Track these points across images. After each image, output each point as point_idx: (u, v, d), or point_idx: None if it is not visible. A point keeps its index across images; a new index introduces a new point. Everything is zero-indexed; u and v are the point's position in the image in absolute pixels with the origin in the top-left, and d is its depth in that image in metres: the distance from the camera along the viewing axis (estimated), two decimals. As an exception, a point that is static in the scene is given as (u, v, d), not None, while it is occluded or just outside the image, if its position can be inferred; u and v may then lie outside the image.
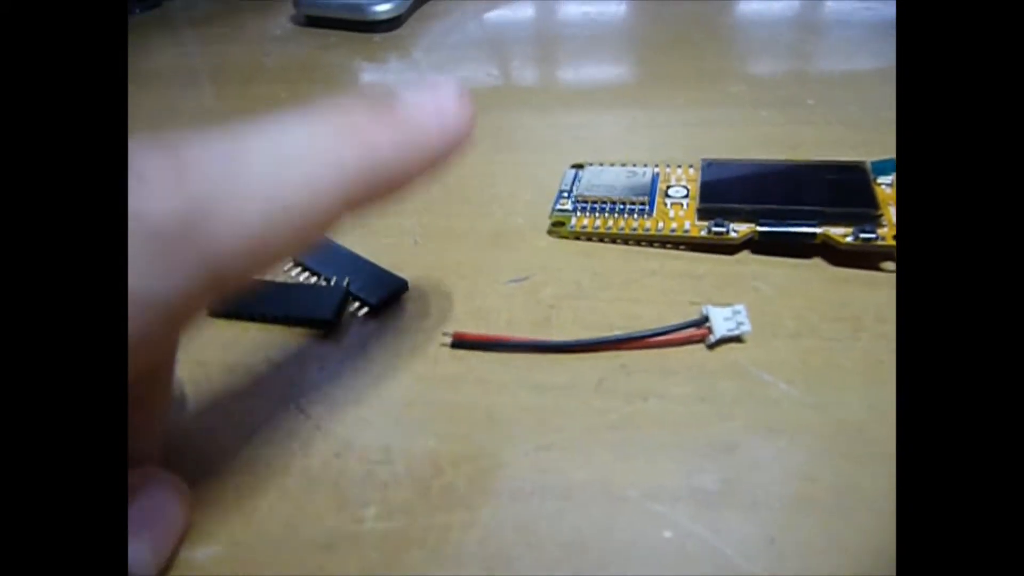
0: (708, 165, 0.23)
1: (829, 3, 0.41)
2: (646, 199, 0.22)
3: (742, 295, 0.20)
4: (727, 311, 0.18)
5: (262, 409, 0.17)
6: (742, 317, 0.18)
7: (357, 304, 0.20)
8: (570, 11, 0.43)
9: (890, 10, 0.38)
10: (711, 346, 0.18)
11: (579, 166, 0.25)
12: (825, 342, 0.18)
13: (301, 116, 0.12)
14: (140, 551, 0.13)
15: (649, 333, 0.18)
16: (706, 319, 0.18)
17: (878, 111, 0.28)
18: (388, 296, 0.20)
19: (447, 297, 0.20)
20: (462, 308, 0.20)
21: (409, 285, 0.20)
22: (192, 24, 0.46)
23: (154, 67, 0.40)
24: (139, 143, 0.10)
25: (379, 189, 0.12)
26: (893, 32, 0.35)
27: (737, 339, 0.18)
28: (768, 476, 0.15)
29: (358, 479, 0.16)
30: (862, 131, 0.27)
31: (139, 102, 0.34)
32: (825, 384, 0.17)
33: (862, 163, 0.22)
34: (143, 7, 0.48)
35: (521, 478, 0.15)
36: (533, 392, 0.17)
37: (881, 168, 0.22)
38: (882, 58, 0.33)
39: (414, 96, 0.13)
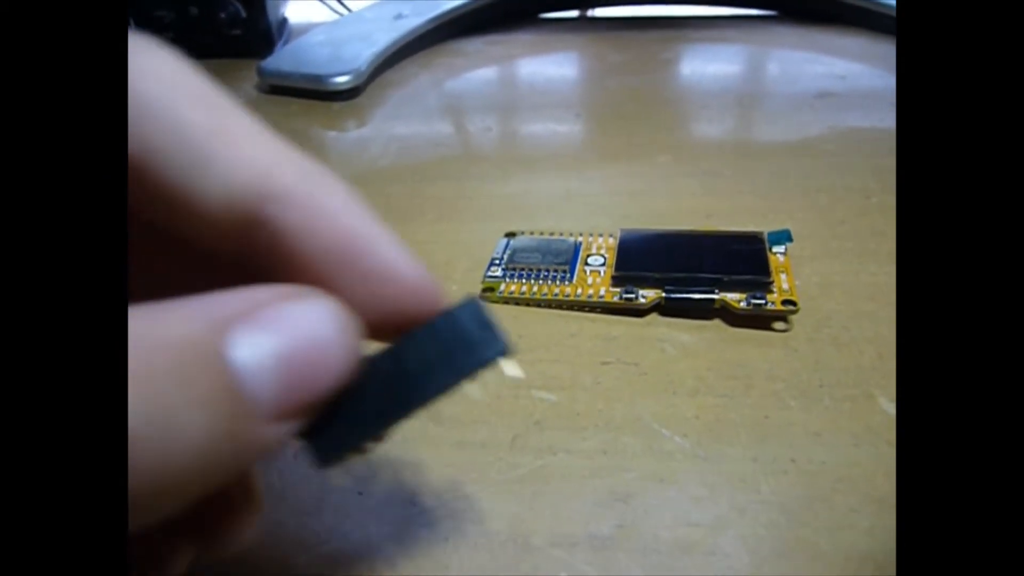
0: (625, 235, 0.25)
1: (771, 74, 0.44)
2: (567, 267, 0.24)
3: (649, 355, 0.22)
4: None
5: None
6: None
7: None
8: (523, 78, 0.46)
9: (820, 84, 0.41)
10: (617, 403, 0.20)
11: (512, 235, 0.27)
12: (718, 399, 0.20)
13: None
14: (252, 344, 0.10)
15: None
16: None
17: (787, 181, 0.31)
18: None
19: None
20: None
21: None
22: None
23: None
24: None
25: None
26: (815, 104, 0.39)
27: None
28: (657, 522, 0.17)
29: (291, 533, 0.17)
30: (770, 200, 0.30)
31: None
32: (715, 438, 0.19)
33: (759, 234, 0.24)
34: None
35: (439, 525, 0.17)
36: (454, 448, 0.19)
37: (776, 238, 0.24)
38: (800, 130, 0.36)
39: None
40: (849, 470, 0.18)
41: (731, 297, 0.22)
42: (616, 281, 0.23)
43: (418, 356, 0.12)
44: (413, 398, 0.12)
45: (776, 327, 0.22)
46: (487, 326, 0.12)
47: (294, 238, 0.11)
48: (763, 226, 0.25)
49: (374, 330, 0.12)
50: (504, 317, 0.24)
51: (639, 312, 0.23)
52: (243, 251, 0.11)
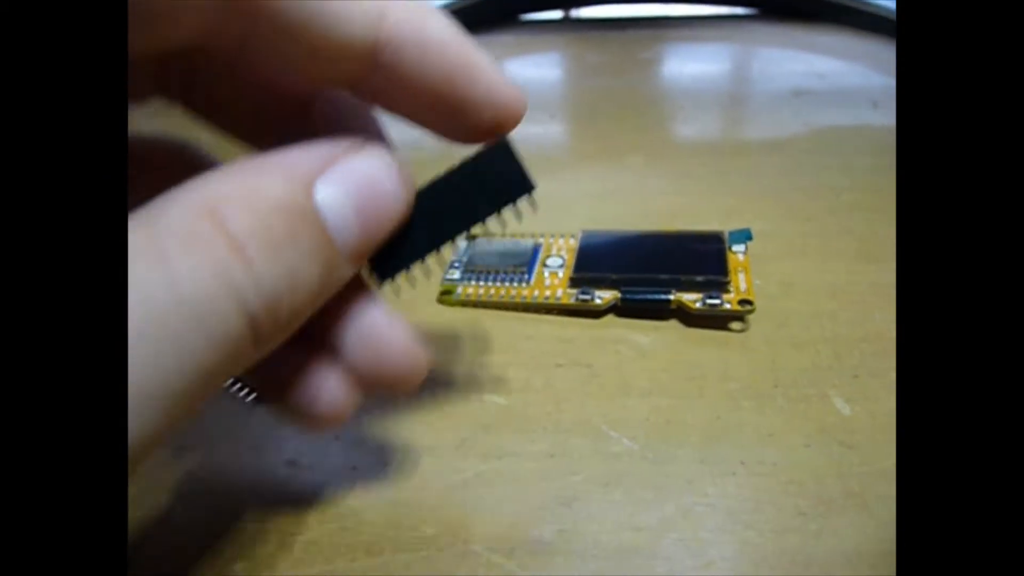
0: (586, 237, 0.25)
1: (749, 73, 0.44)
2: (526, 269, 0.24)
3: (603, 357, 0.21)
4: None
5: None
6: None
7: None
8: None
9: (798, 82, 0.41)
10: (567, 406, 0.20)
11: (473, 237, 0.27)
12: (671, 400, 0.20)
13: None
14: (335, 200, 0.11)
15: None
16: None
17: (759, 180, 0.31)
18: None
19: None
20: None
21: None
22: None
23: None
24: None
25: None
26: (792, 102, 0.38)
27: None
28: (600, 526, 0.17)
29: (229, 534, 0.17)
30: (740, 199, 0.30)
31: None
32: (664, 440, 0.19)
33: (720, 233, 0.24)
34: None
35: (378, 533, 0.17)
36: (399, 452, 0.19)
37: (736, 237, 0.24)
38: (775, 129, 0.36)
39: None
40: (799, 472, 0.17)
41: (687, 297, 0.22)
42: (573, 283, 0.23)
43: (457, 193, 0.14)
44: (453, 228, 0.14)
45: (733, 327, 0.22)
46: (516, 167, 0.14)
47: (406, 74, 0.12)
48: (730, 225, 0.25)
49: (456, 139, 0.14)
50: (460, 320, 0.23)
51: (595, 313, 0.23)
52: (357, 87, 0.13)
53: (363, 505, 0.17)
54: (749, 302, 0.21)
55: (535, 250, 0.25)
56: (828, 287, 0.24)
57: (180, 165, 0.15)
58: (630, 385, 0.20)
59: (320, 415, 0.14)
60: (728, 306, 0.21)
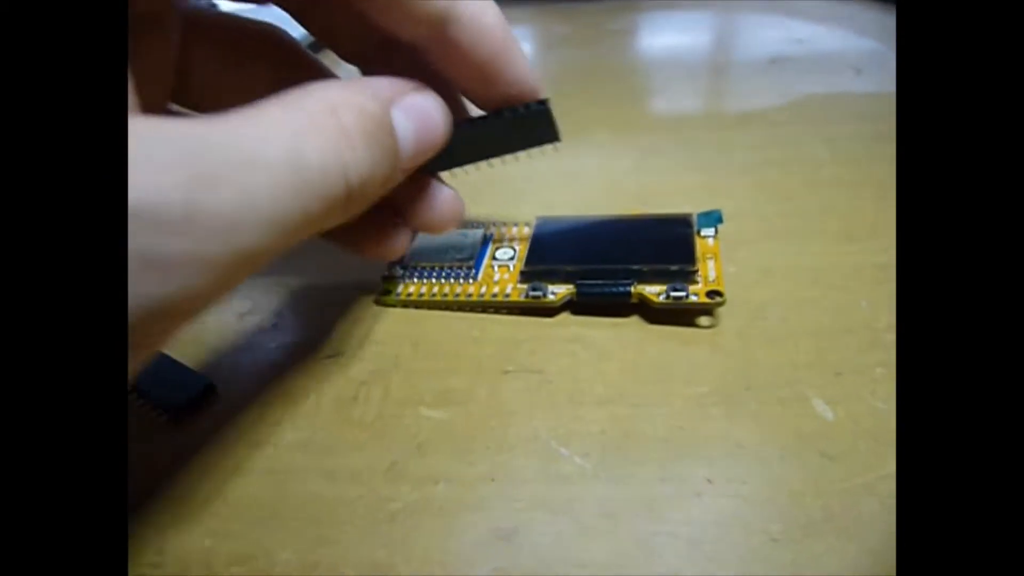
0: (541, 224, 0.23)
1: (723, 42, 0.42)
2: (472, 263, 0.22)
3: (558, 360, 0.19)
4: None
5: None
6: None
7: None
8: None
9: (776, 48, 0.38)
10: (512, 420, 0.17)
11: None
12: (630, 409, 0.17)
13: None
14: (403, 122, 0.15)
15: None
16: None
17: (732, 155, 0.29)
18: (191, 400, 0.19)
19: (258, 377, 0.20)
20: (269, 391, 0.19)
21: (216, 387, 0.19)
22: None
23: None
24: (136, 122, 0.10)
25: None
26: (768, 70, 0.36)
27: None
28: (540, 562, 0.14)
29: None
30: (713, 177, 0.27)
31: None
32: (622, 456, 0.16)
33: (688, 216, 0.22)
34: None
35: (290, 579, 0.15)
36: (323, 479, 0.16)
37: (706, 220, 0.21)
38: (750, 100, 0.33)
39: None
40: (772, 489, 0.15)
41: (650, 290, 0.19)
42: (524, 277, 0.21)
43: (501, 129, 0.18)
44: (491, 151, 0.19)
45: (701, 323, 0.20)
46: (551, 122, 0.18)
47: (463, 46, 0.16)
48: (702, 206, 0.22)
49: (480, 103, 0.18)
50: (400, 323, 0.21)
51: (549, 311, 0.20)
52: (422, 46, 0.16)
53: (275, 544, 0.15)
54: (718, 293, 0.19)
55: (484, 242, 0.23)
56: (809, 272, 0.21)
57: (282, 51, 0.19)
58: (585, 392, 0.18)
59: (387, 251, 0.19)
60: (695, 298, 0.19)
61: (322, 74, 0.19)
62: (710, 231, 0.21)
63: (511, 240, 0.23)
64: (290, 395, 0.19)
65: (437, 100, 0.16)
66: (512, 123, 0.18)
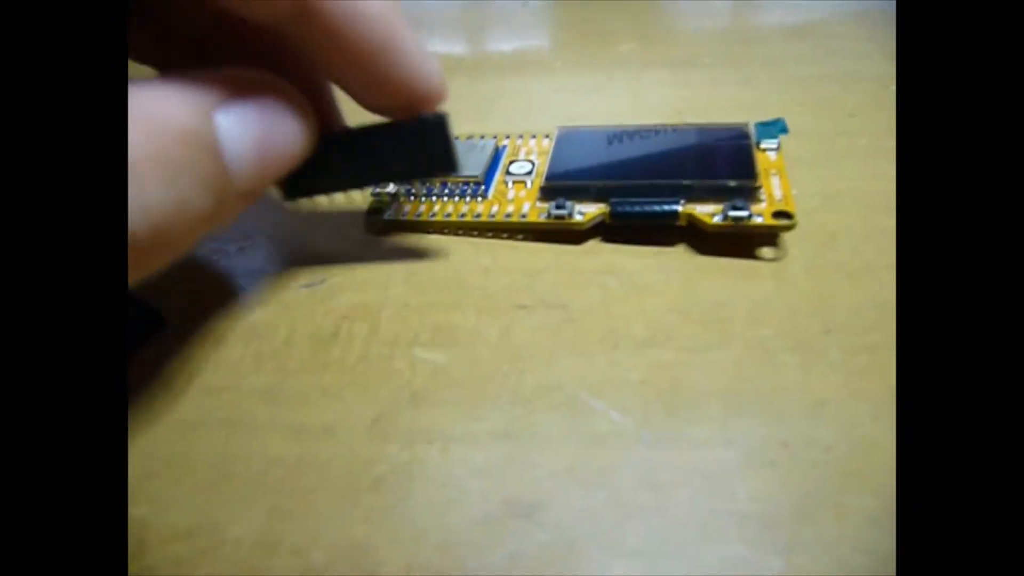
0: (564, 134, 0.19)
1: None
2: (481, 177, 0.18)
3: (586, 294, 0.15)
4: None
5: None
6: None
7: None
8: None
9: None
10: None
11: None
12: (681, 354, 0.14)
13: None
14: (235, 132, 0.11)
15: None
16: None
17: (782, 69, 0.24)
18: (132, 332, 0.15)
19: (216, 310, 0.16)
20: (230, 326, 0.16)
21: (165, 318, 0.16)
22: None
23: None
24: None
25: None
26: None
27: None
28: (570, 549, 0.11)
29: None
30: (760, 91, 0.23)
31: None
32: (671, 412, 0.13)
33: (743, 125, 0.18)
34: None
35: (242, 560, 0.11)
36: (290, 436, 0.13)
37: (766, 131, 0.18)
38: (800, 11, 0.29)
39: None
40: (866, 457, 0.12)
41: (701, 210, 0.16)
42: (545, 194, 0.17)
43: (384, 146, 0.14)
44: (369, 177, 0.15)
45: (763, 255, 0.16)
46: (447, 146, 0.14)
47: (335, 32, 0.12)
48: (750, 120, 0.19)
49: (370, 108, 0.14)
50: (391, 248, 0.17)
51: (575, 235, 0.17)
52: (281, 29, 0.12)
53: (225, 515, 0.12)
54: (788, 215, 0.15)
55: (496, 154, 0.19)
56: (884, 197, 0.18)
57: None
58: (620, 333, 0.14)
59: None
60: (759, 220, 0.15)
61: None
62: (772, 143, 0.18)
63: (528, 153, 0.19)
64: (255, 331, 0.15)
65: (291, 98, 0.12)
66: (399, 139, 0.14)
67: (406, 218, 0.17)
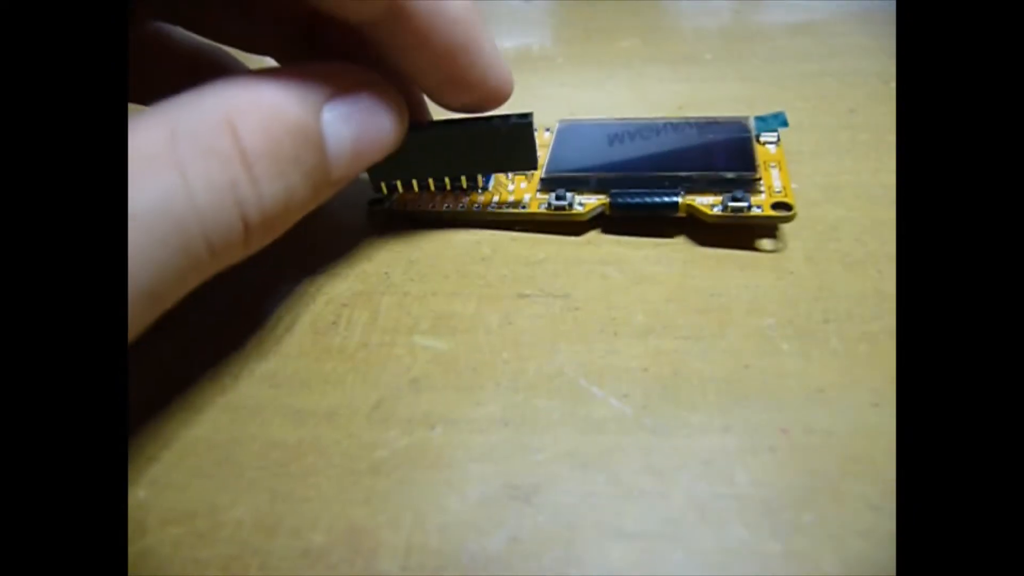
0: (565, 127, 0.19)
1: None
2: (482, 169, 0.18)
3: (586, 283, 0.15)
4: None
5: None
6: None
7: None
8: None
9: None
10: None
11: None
12: (681, 342, 0.14)
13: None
14: (337, 128, 0.12)
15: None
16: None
17: (784, 65, 0.25)
18: None
19: (219, 297, 0.16)
20: (232, 314, 0.16)
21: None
22: None
23: None
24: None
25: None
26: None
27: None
28: (572, 532, 0.11)
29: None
30: (762, 87, 0.23)
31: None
32: (671, 399, 0.13)
33: (744, 119, 0.18)
34: None
35: (241, 542, 0.11)
36: (291, 421, 0.13)
37: (766, 123, 0.18)
38: (802, 10, 0.29)
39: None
40: (865, 443, 0.12)
41: (701, 201, 0.16)
42: (546, 185, 0.17)
43: (471, 142, 0.15)
44: (452, 169, 0.16)
45: (762, 246, 0.16)
46: (530, 147, 0.15)
47: (419, 34, 0.13)
48: (751, 115, 0.19)
49: (445, 105, 0.15)
50: (392, 238, 0.17)
51: (575, 226, 0.17)
52: (370, 31, 0.13)
53: (225, 499, 0.12)
54: (787, 206, 0.15)
55: (496, 145, 0.19)
56: (886, 190, 0.18)
57: (204, 66, 0.16)
58: (621, 322, 0.15)
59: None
60: (758, 211, 0.15)
61: (222, 66, 0.16)
62: (772, 136, 0.18)
63: (528, 146, 0.19)
64: (257, 319, 0.15)
65: (389, 96, 0.13)
66: (484, 137, 0.15)
67: (407, 209, 0.18)
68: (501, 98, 0.15)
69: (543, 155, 0.18)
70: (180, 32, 0.16)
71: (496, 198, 0.17)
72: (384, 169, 0.15)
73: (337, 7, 0.12)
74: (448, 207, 0.17)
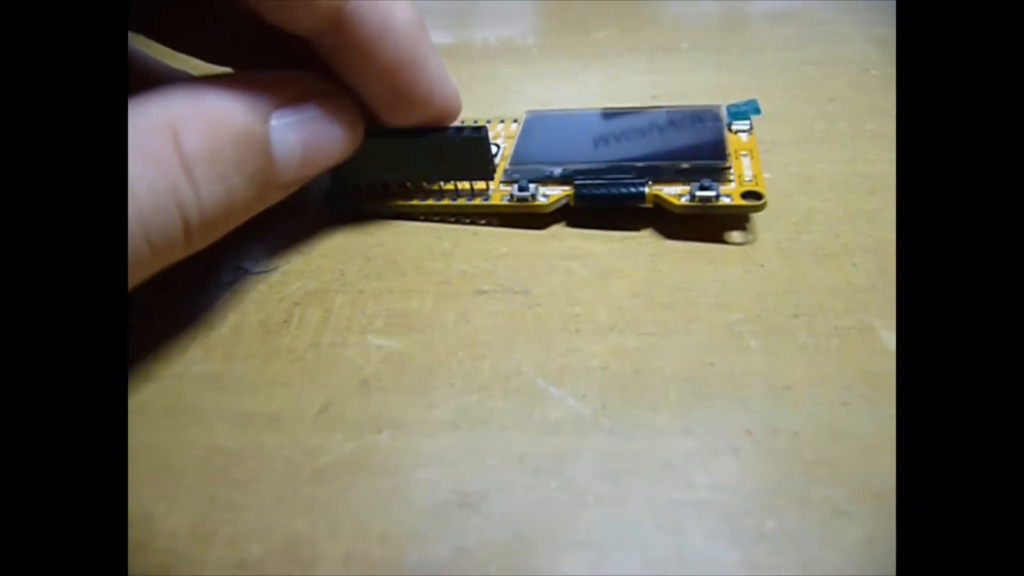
0: (532, 118, 0.18)
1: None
2: (445, 161, 0.17)
3: (548, 279, 0.15)
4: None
5: None
6: None
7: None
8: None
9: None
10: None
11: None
12: (643, 339, 0.13)
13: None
14: (285, 135, 0.12)
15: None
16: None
17: (762, 54, 0.24)
18: None
19: (162, 293, 0.15)
20: (176, 311, 0.15)
21: None
22: None
23: None
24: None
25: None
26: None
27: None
28: (521, 541, 0.10)
29: None
30: (739, 76, 0.23)
31: None
32: (631, 399, 0.12)
33: (715, 107, 0.17)
34: None
35: (176, 554, 0.11)
36: (235, 425, 0.12)
37: (738, 111, 0.17)
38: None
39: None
40: (835, 445, 0.11)
41: (668, 191, 0.15)
42: (509, 176, 0.16)
43: (426, 150, 0.15)
44: (409, 174, 0.16)
45: (732, 239, 0.15)
46: (486, 157, 0.15)
47: (363, 48, 0.13)
48: (727, 103, 0.18)
49: (390, 122, 0.15)
50: (350, 232, 0.17)
51: (538, 218, 0.16)
52: (316, 44, 0.13)
53: (160, 507, 0.11)
54: (757, 195, 0.15)
55: (460, 137, 0.18)
56: (863, 180, 0.17)
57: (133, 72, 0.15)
58: (583, 319, 0.14)
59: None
60: (727, 200, 0.15)
61: (159, 77, 0.16)
62: (744, 124, 0.17)
63: (495, 138, 0.18)
64: (203, 316, 0.15)
65: (341, 103, 0.14)
66: (440, 146, 0.15)
67: (367, 201, 0.17)
68: (447, 118, 0.15)
69: (509, 146, 0.18)
70: (140, 52, 0.16)
71: (457, 187, 0.17)
72: (344, 172, 0.15)
73: (279, 18, 0.12)
74: (409, 200, 0.17)
